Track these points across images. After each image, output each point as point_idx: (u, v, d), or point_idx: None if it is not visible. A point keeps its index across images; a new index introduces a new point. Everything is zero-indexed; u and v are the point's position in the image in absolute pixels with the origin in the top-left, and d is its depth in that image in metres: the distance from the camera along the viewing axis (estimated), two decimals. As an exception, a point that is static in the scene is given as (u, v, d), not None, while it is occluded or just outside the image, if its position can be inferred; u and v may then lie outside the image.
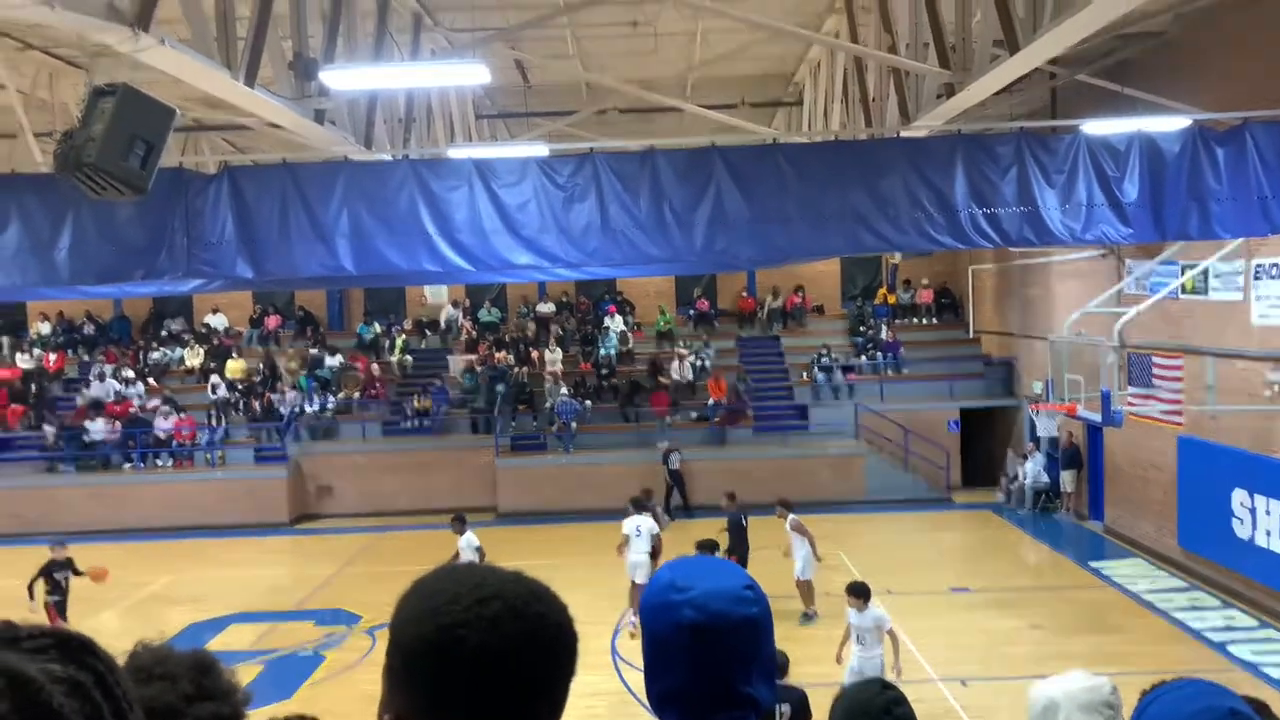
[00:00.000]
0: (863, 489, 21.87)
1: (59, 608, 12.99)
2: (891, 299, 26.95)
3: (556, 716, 1.26)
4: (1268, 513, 13.70)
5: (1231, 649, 12.77)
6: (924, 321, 26.60)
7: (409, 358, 25.92)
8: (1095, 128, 11.16)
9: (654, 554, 13.94)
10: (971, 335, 25.42)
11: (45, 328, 26.88)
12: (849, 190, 10.33)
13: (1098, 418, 14.83)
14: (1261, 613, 13.88)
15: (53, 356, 25.88)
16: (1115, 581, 15.85)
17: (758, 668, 1.52)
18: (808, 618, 13.77)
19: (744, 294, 27.25)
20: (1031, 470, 20.85)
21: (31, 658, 0.82)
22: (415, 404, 23.78)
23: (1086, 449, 19.81)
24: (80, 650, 0.86)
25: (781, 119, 19.15)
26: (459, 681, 1.18)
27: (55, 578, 12.95)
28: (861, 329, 26.03)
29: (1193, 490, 15.55)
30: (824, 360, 24.59)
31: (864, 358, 25.12)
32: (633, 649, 12.79)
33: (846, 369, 24.60)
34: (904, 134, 11.56)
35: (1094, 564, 16.95)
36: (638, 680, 10.70)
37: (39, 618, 12.65)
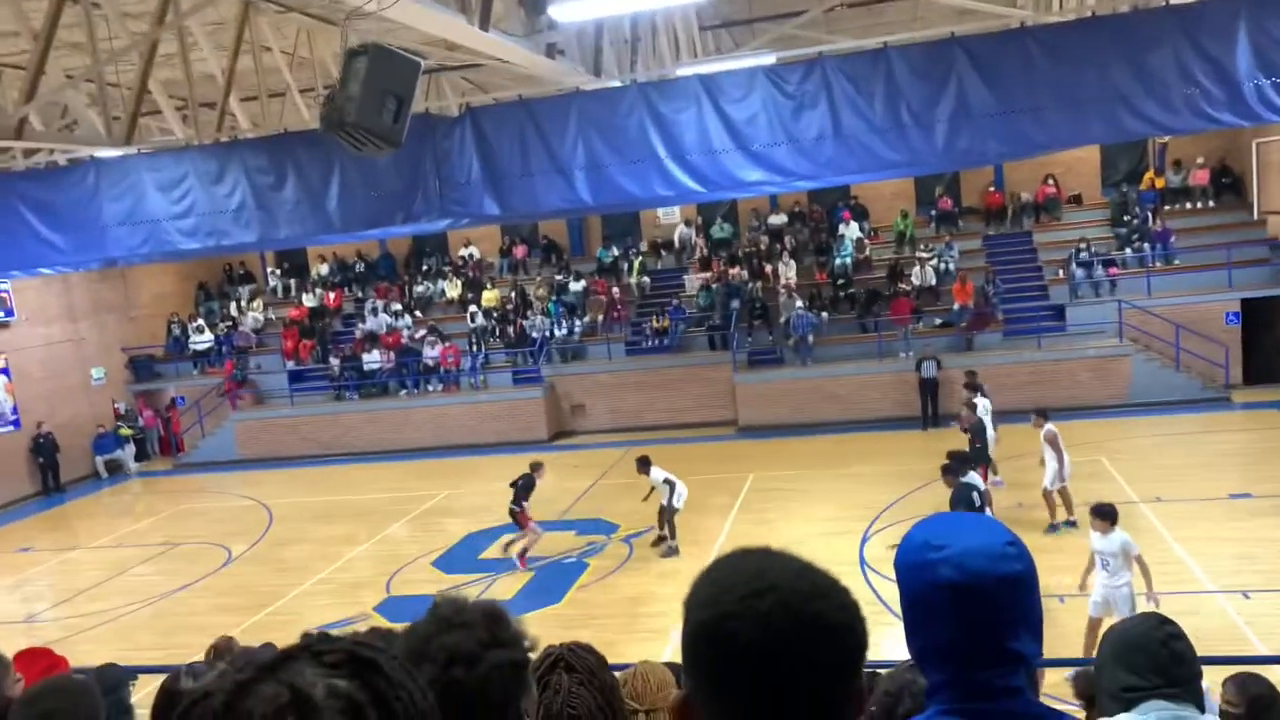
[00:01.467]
0: (1126, 392, 20.37)
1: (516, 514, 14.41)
2: (1160, 182, 24.41)
3: (844, 711, 1.21)
4: None
5: None
6: (1199, 205, 23.97)
7: (646, 279, 26.52)
8: None
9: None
10: (1256, 217, 22.69)
11: (324, 269, 29.66)
12: (1109, 70, 9.38)
13: None
14: None
15: (332, 295, 28.57)
16: None
17: (1024, 625, 1.49)
18: (1055, 528, 13.20)
19: (991, 188, 25.60)
20: (1333, 364, 18.58)
21: (327, 672, 0.94)
22: (654, 324, 24.39)
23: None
24: (366, 668, 0.96)
25: (1027, -4, 17.57)
26: (730, 673, 1.16)
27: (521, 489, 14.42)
28: (1125, 218, 23.87)
29: None
30: (1083, 255, 22.82)
31: (1128, 250, 23.08)
32: (880, 558, 12.75)
33: (1108, 263, 22.73)
34: (1174, 1, 10.32)
35: None
36: (886, 588, 10.71)
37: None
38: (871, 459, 18.51)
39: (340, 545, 16.53)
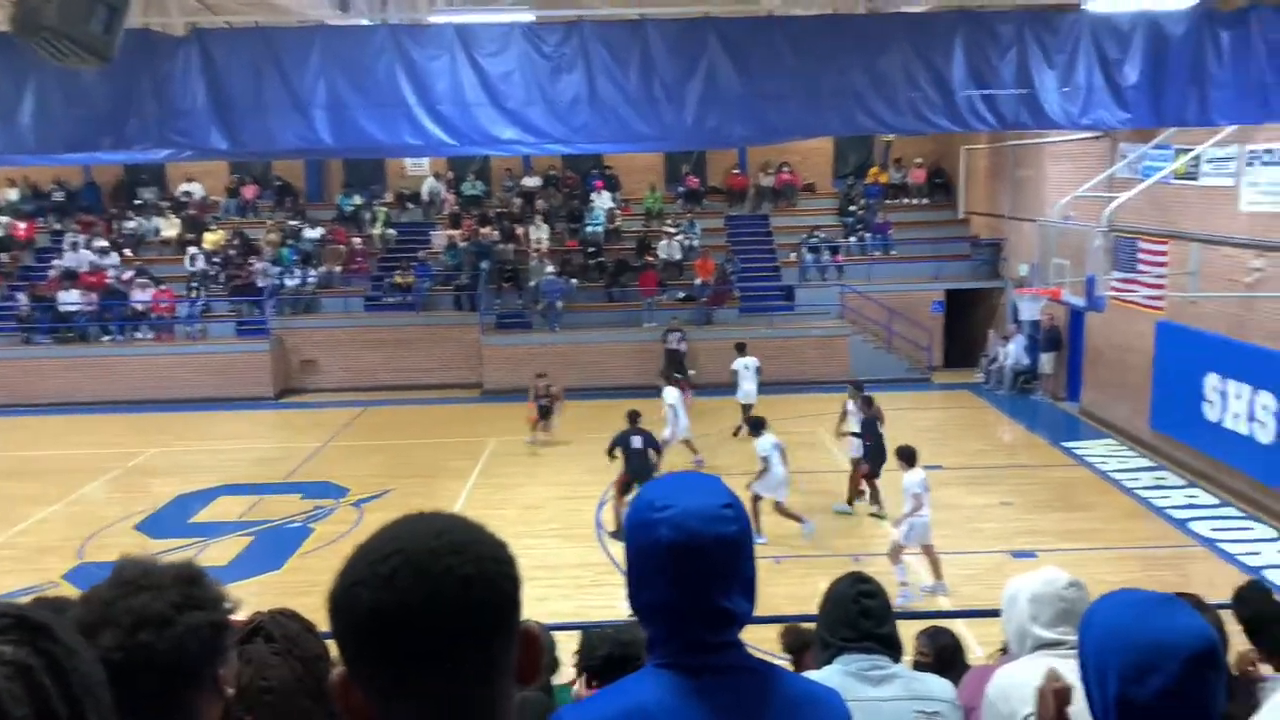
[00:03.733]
0: (846, 369, 22.05)
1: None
2: (883, 178, 26.55)
3: (495, 670, 1.16)
4: (1238, 396, 13.96)
5: (1192, 525, 13.21)
6: (915, 202, 26.31)
7: (391, 231, 25.52)
8: (1099, 5, 10.73)
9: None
10: (961, 216, 25.22)
11: (13, 194, 26.18)
12: (847, 69, 9.96)
13: (1081, 302, 14.87)
14: (1222, 491, 14.30)
15: (22, 225, 25.31)
16: (1086, 461, 16.21)
17: (737, 583, 1.58)
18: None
19: (735, 170, 26.74)
20: (1013, 352, 21.05)
21: None
22: (398, 279, 23.54)
23: (1067, 332, 19.98)
24: (38, 633, 0.86)
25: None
26: (361, 639, 1.13)
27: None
28: (851, 209, 25.74)
29: (1167, 374, 15.78)
30: (813, 241, 24.39)
31: (853, 239, 24.92)
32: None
33: (834, 249, 24.43)
34: (905, 9, 11.13)
35: (1067, 444, 17.29)
36: (619, 550, 10.97)
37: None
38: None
39: (25, 505, 14.76)
